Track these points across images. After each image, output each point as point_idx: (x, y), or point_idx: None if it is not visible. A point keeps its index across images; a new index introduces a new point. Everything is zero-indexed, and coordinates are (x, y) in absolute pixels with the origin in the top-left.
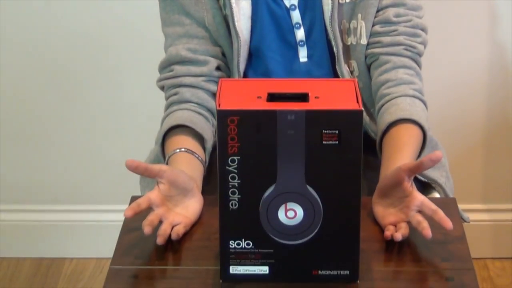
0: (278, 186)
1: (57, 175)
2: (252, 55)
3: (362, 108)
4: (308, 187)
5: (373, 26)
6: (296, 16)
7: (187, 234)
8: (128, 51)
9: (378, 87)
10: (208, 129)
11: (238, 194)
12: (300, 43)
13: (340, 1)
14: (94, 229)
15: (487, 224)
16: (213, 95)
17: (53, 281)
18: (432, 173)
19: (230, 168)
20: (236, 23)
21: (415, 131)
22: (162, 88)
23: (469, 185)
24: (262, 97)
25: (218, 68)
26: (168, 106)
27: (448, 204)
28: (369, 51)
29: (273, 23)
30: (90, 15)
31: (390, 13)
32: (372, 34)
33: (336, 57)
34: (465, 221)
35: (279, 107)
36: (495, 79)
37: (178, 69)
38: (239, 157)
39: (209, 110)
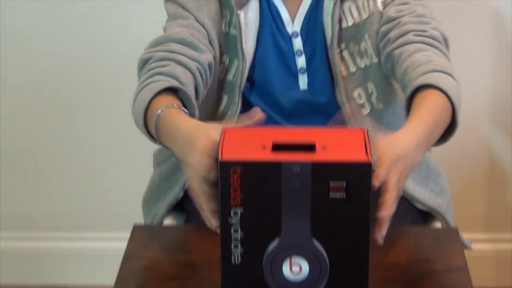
0: (283, 239)
1: (58, 202)
2: (252, 79)
3: (371, 160)
4: (314, 240)
5: (377, 31)
6: (297, 43)
7: (189, 263)
8: (125, 76)
9: (402, 82)
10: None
11: (241, 248)
12: (301, 71)
13: (343, 26)
14: (96, 257)
15: (489, 254)
16: (198, 87)
17: None
18: (434, 200)
19: (233, 221)
20: (244, 45)
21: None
22: (145, 61)
23: (471, 215)
24: (267, 147)
25: (209, 66)
26: (152, 75)
27: (450, 234)
28: (384, 53)
29: (275, 49)
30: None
31: (390, 11)
32: (380, 37)
33: (336, 86)
34: (467, 247)
35: (284, 157)
36: (498, 109)
37: (176, 46)
38: (242, 209)
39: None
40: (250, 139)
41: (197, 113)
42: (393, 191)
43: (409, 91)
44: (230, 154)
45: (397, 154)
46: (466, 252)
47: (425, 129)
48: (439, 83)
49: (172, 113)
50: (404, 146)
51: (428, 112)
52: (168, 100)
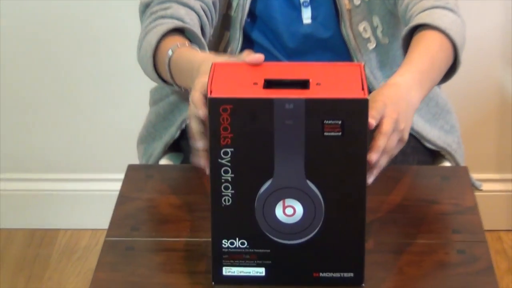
0: (276, 180)
1: (51, 143)
2: (254, 14)
3: (368, 97)
4: (308, 182)
5: None
6: None
7: (185, 204)
8: (121, 18)
9: (403, 18)
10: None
11: (232, 189)
12: (304, 4)
13: None
14: (89, 199)
15: (501, 195)
16: (203, 26)
17: (47, 253)
18: (444, 139)
19: (223, 161)
20: None
21: (429, 34)
22: (147, 5)
23: (482, 154)
24: (259, 84)
25: (213, 3)
26: (155, 19)
27: (459, 173)
28: None
29: None
30: None
31: None
32: None
33: (341, 19)
34: (477, 189)
35: (276, 95)
36: (510, 46)
37: None
38: (232, 149)
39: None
40: (241, 75)
41: (207, 50)
42: (385, 135)
43: (406, 30)
44: (220, 91)
45: (389, 97)
46: (477, 192)
47: (417, 72)
48: (436, 22)
49: (184, 51)
50: (395, 90)
51: (421, 54)
52: (177, 40)
